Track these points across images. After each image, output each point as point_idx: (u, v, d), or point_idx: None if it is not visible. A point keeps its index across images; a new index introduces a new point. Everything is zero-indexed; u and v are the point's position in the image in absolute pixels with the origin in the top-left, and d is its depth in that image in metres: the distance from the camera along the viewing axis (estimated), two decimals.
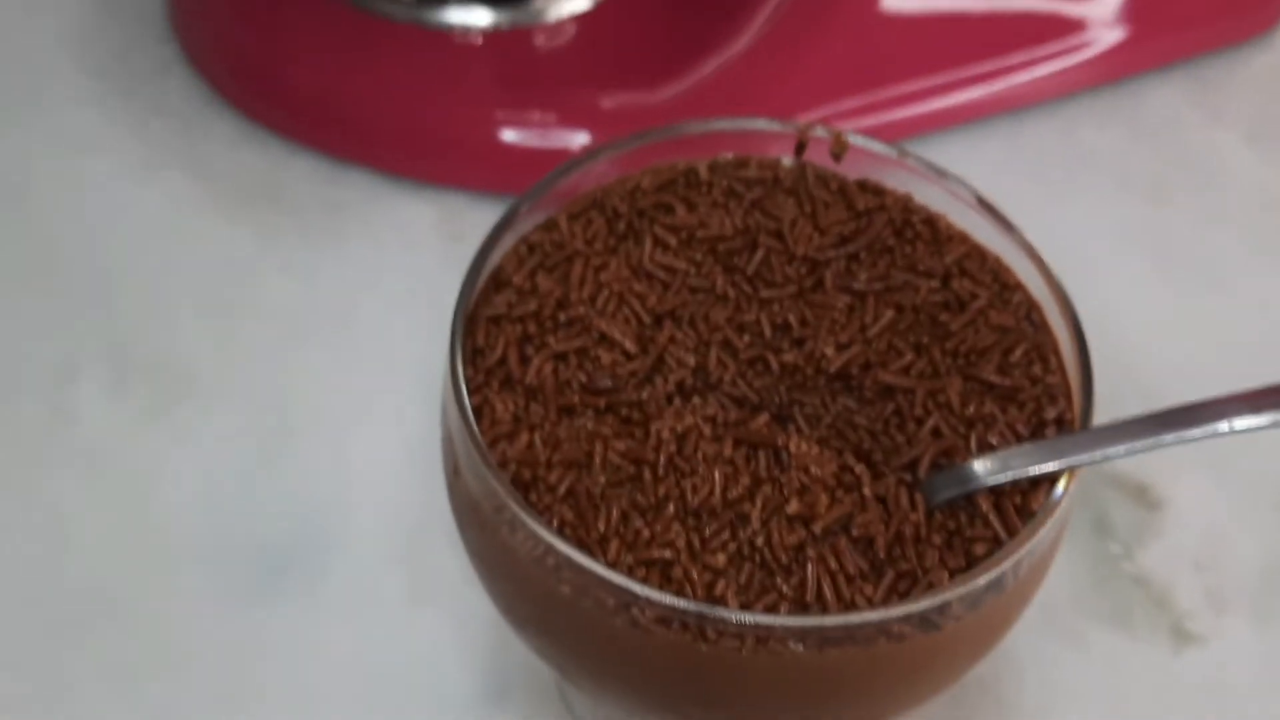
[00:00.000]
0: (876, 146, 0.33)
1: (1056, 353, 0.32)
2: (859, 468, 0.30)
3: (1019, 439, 0.30)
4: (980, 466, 0.29)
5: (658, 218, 0.33)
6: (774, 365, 0.31)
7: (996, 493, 0.29)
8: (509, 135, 0.49)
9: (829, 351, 0.31)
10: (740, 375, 0.31)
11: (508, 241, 0.32)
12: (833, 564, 0.28)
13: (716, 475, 0.29)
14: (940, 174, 0.33)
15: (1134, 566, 0.42)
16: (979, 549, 0.29)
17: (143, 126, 0.51)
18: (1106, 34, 0.52)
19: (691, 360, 0.31)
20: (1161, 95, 0.54)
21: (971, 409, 0.31)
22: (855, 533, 0.29)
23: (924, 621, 0.28)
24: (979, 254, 0.33)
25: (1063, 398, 0.31)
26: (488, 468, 0.29)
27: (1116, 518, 0.43)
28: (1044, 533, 0.29)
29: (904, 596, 0.28)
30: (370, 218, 0.49)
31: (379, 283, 0.47)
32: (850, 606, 0.28)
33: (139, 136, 0.51)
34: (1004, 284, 0.33)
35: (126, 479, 0.42)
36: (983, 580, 0.28)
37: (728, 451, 0.30)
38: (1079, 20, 0.52)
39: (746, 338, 0.32)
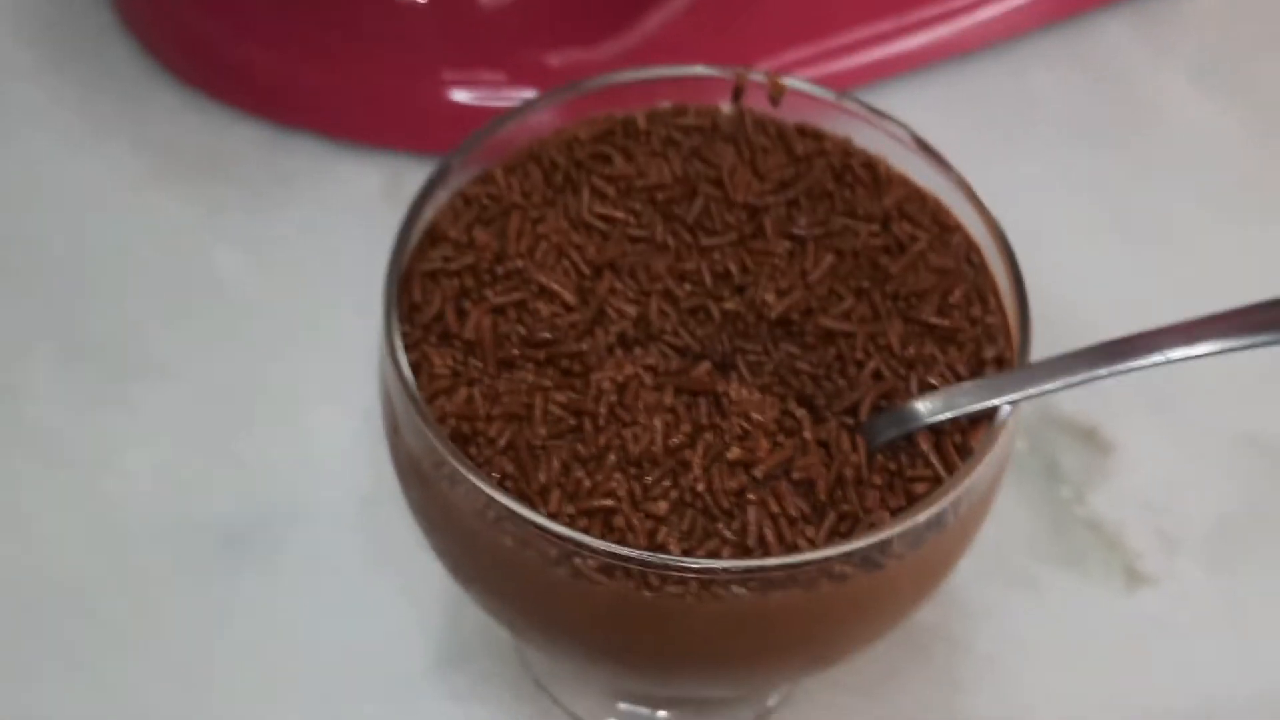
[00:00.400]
0: (814, 90, 0.33)
1: (995, 293, 0.32)
2: (800, 412, 0.30)
3: (959, 379, 0.30)
4: (920, 406, 0.29)
5: (595, 168, 0.33)
6: (715, 313, 0.31)
7: (936, 432, 0.30)
8: (458, 95, 0.49)
9: (770, 298, 0.31)
10: (682, 324, 0.31)
11: (442, 197, 0.32)
12: (774, 507, 0.28)
13: (657, 423, 0.29)
14: (878, 116, 0.33)
15: (1085, 510, 0.42)
16: (919, 488, 0.29)
17: (83, 98, 0.50)
18: None
19: (632, 311, 0.31)
20: (1109, 33, 0.54)
21: (911, 350, 0.31)
22: (796, 476, 0.29)
23: (866, 561, 0.28)
24: (918, 196, 0.33)
25: (1002, 337, 0.31)
26: (425, 423, 0.29)
27: (1067, 462, 0.43)
28: (983, 469, 0.29)
29: (845, 537, 0.28)
30: (319, 184, 0.49)
31: (329, 250, 0.47)
32: (792, 549, 0.28)
33: (79, 108, 0.50)
34: (943, 225, 0.33)
35: (80, 456, 0.41)
36: (923, 518, 0.28)
37: (668, 400, 0.30)
38: None
39: (687, 286, 0.32)
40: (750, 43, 0.50)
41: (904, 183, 0.33)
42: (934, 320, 0.31)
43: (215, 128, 0.50)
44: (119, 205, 0.48)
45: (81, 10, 0.52)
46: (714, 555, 0.28)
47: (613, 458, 0.29)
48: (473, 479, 0.28)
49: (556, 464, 0.29)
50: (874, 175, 0.33)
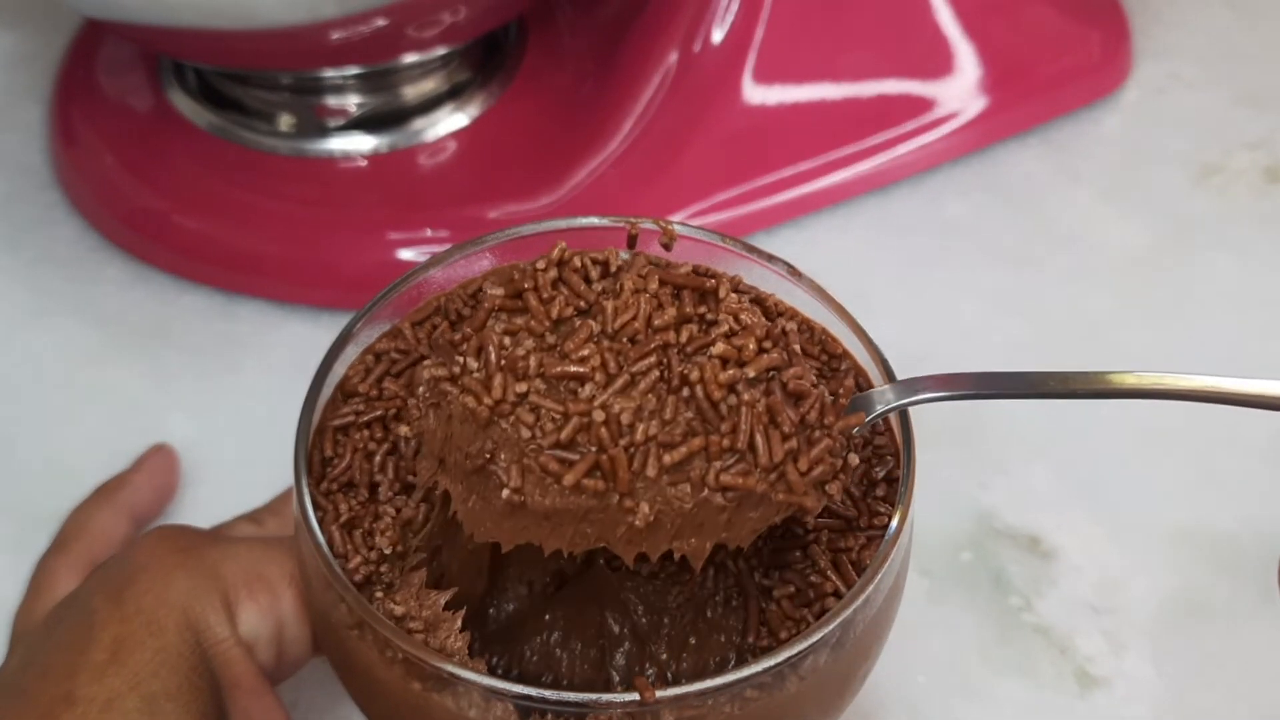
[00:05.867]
0: (702, 235, 0.35)
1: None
2: (790, 325, 0.28)
3: (852, 499, 0.31)
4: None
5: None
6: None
7: (834, 550, 0.30)
8: (404, 254, 0.51)
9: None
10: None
11: (352, 353, 0.33)
12: (764, 415, 0.26)
13: (642, 304, 0.27)
14: (759, 254, 0.34)
15: (1034, 617, 0.43)
16: (829, 602, 0.29)
17: (32, 275, 0.52)
18: (962, 108, 0.54)
19: None
20: (1019, 160, 0.56)
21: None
22: (789, 386, 0.27)
23: (767, 684, 0.28)
24: (807, 327, 0.34)
25: (890, 456, 0.32)
26: (331, 574, 0.29)
27: (1013, 571, 0.44)
28: (878, 583, 0.29)
29: (822, 469, 0.27)
30: (268, 347, 0.50)
31: (277, 413, 0.47)
32: (777, 470, 0.26)
33: (28, 285, 0.51)
34: (831, 354, 0.34)
35: None
36: (821, 634, 0.28)
37: (654, 287, 0.28)
38: (935, 98, 0.54)
39: None
40: (679, 186, 0.52)
41: (794, 315, 0.34)
42: None
43: (163, 298, 0.51)
44: (71, 380, 0.49)
45: (28, 192, 0.54)
46: (695, 453, 0.26)
47: (585, 332, 0.26)
48: (379, 628, 0.28)
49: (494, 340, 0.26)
50: (764, 310, 0.34)
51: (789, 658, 0.27)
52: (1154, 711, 0.41)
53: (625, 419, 0.26)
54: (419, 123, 0.53)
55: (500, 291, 0.27)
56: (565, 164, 0.52)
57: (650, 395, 0.26)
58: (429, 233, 0.51)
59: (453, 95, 0.54)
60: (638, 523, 0.26)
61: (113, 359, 0.49)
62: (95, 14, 0.50)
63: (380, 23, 0.47)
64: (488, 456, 0.26)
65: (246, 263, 0.51)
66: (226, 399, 0.48)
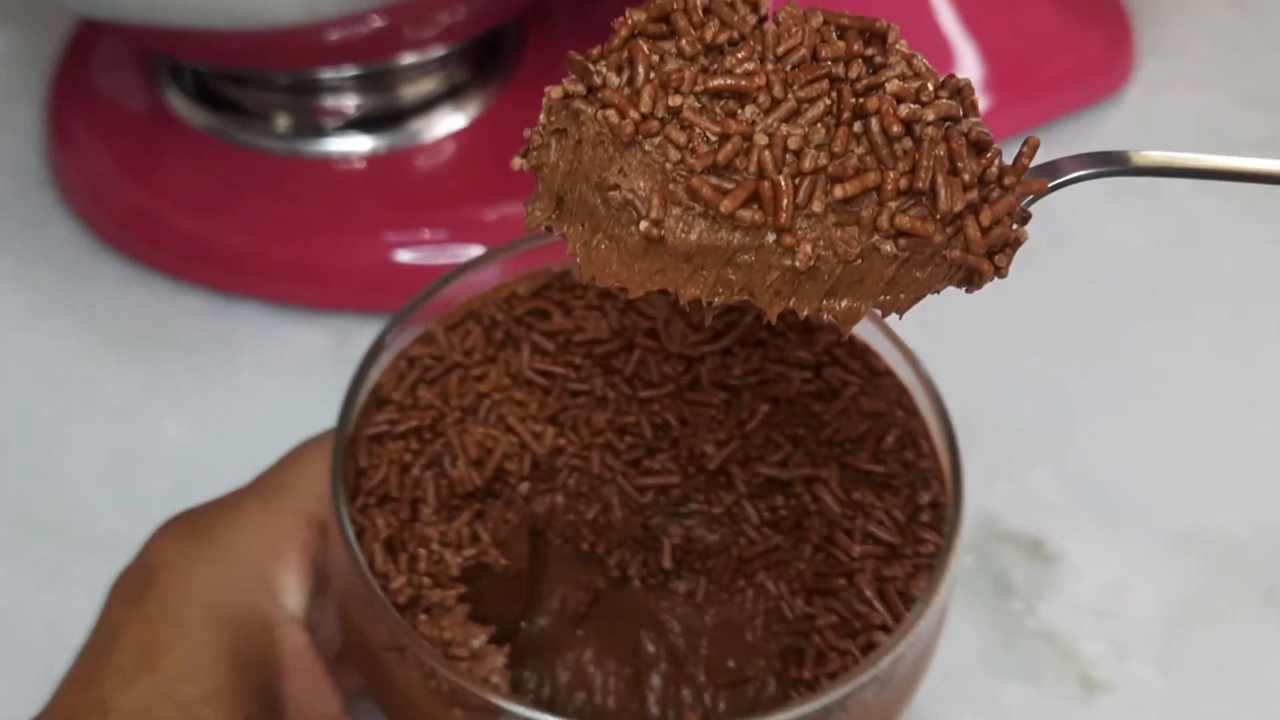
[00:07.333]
0: None
1: (927, 436, 0.32)
2: (964, 79, 0.25)
3: (896, 524, 0.30)
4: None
5: (534, 324, 0.33)
6: (655, 466, 0.32)
7: (879, 579, 0.30)
8: (402, 256, 0.50)
9: (709, 449, 0.32)
10: (623, 475, 0.32)
11: (385, 359, 0.32)
12: (945, 160, 0.23)
13: (806, 34, 0.23)
14: None
15: (1037, 621, 0.43)
16: (877, 636, 0.29)
17: (28, 276, 0.51)
18: None
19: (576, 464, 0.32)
20: None
21: (849, 498, 0.31)
22: (973, 135, 0.24)
23: (824, 714, 0.27)
24: (849, 342, 0.33)
25: (935, 481, 0.31)
26: (371, 594, 0.28)
27: (1016, 575, 0.44)
28: (928, 617, 0.29)
29: (1000, 230, 0.24)
30: (265, 349, 0.49)
31: (278, 414, 0.47)
32: (948, 217, 0.23)
33: (24, 287, 0.51)
34: (873, 370, 0.33)
35: (33, 639, 0.41)
36: (872, 671, 0.27)
37: (816, 22, 0.24)
38: None
39: (628, 439, 0.32)
40: None
41: (834, 329, 0.33)
42: (869, 466, 0.31)
43: (159, 299, 0.50)
44: (67, 381, 0.48)
45: (24, 192, 0.53)
46: (867, 190, 0.22)
47: (743, 51, 0.22)
48: (419, 652, 0.27)
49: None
50: (804, 322, 0.33)
51: (839, 698, 0.26)
52: (1158, 717, 0.41)
53: (793, 144, 0.22)
54: (417, 123, 0.53)
55: (642, 15, 0.24)
56: None
57: (819, 125, 0.23)
58: (427, 234, 0.50)
59: (451, 96, 0.54)
60: (797, 264, 0.22)
61: (109, 361, 0.49)
62: (91, 13, 0.49)
63: (378, 23, 0.47)
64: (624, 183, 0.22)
65: (243, 264, 0.50)
66: (223, 401, 0.48)
